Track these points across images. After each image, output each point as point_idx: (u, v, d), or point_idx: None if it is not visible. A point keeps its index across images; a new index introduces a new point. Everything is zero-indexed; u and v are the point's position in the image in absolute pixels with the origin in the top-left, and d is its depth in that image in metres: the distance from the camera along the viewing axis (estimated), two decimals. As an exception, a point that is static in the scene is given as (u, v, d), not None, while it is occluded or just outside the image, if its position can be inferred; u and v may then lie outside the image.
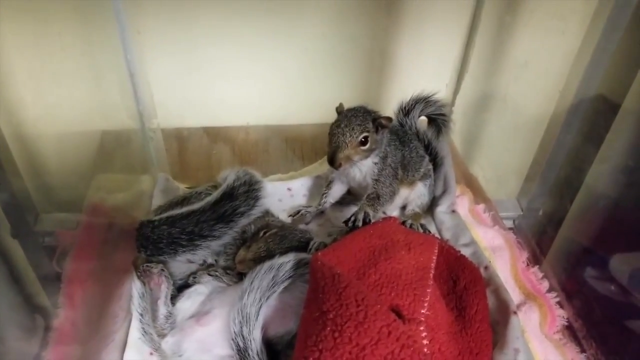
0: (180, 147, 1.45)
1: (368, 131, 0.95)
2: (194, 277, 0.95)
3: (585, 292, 1.35)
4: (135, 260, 0.95)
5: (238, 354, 0.80)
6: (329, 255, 0.82)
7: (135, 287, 0.92)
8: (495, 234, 1.15)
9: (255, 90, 1.49)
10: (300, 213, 1.13)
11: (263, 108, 1.53)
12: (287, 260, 0.87)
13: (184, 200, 1.02)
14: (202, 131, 1.50)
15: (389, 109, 1.21)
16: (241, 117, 1.53)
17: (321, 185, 1.19)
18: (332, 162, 0.95)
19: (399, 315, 0.78)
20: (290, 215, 1.13)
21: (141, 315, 0.90)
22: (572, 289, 1.39)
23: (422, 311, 0.80)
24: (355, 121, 0.95)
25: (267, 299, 0.84)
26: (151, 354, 0.88)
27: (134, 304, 0.91)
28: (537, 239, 1.33)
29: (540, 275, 1.10)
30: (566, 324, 1.03)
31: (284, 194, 1.22)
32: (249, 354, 0.79)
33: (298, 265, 0.87)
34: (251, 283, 0.83)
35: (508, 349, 0.87)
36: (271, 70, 1.44)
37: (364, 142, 0.96)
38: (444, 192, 1.16)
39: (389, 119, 0.97)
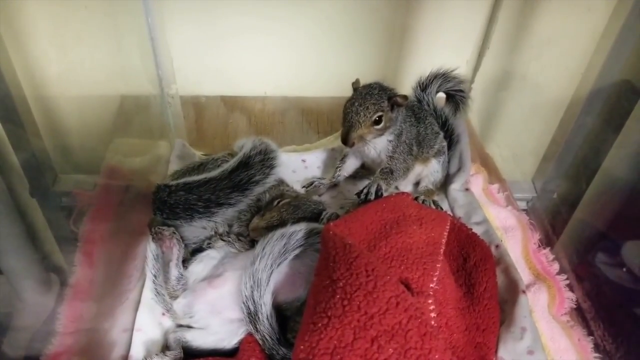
0: (198, 114, 1.46)
1: (382, 110, 0.95)
2: (209, 243, 0.96)
3: (596, 277, 1.35)
4: (151, 223, 0.97)
5: (248, 317, 0.82)
6: (341, 226, 0.83)
7: (149, 248, 0.94)
8: (508, 214, 1.14)
9: (273, 61, 1.48)
10: (313, 184, 1.13)
11: (281, 79, 1.52)
12: (299, 229, 0.88)
13: (201, 167, 1.03)
14: (220, 99, 1.51)
15: (407, 84, 1.20)
16: (259, 87, 1.53)
17: (335, 158, 1.19)
18: (346, 141, 0.95)
19: (408, 288, 0.79)
20: (303, 187, 1.14)
21: (155, 276, 0.93)
22: (582, 272, 1.39)
23: (431, 285, 0.81)
24: (370, 99, 0.94)
25: (278, 265, 0.85)
26: (163, 314, 0.91)
27: (148, 265, 0.93)
28: (550, 221, 1.33)
29: (551, 257, 1.10)
30: (575, 306, 1.03)
31: (298, 165, 1.22)
32: (258, 318, 0.81)
33: (310, 234, 0.88)
34: (263, 249, 0.84)
35: (515, 327, 0.87)
36: (290, 41, 1.43)
37: (378, 122, 0.95)
38: (459, 170, 1.15)
39: (405, 97, 0.97)
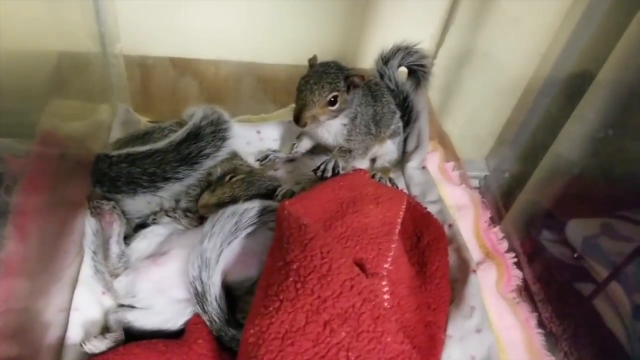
0: (144, 77, 1.36)
1: (338, 90, 0.91)
2: (154, 219, 0.91)
3: (541, 253, 1.39)
4: (90, 196, 0.91)
5: (195, 298, 0.78)
6: (296, 205, 0.80)
7: (88, 223, 0.88)
8: (461, 192, 1.15)
9: (229, 23, 1.39)
10: (268, 158, 1.09)
11: (236, 42, 1.44)
12: (251, 207, 0.84)
13: (146, 136, 0.96)
14: (169, 61, 1.41)
15: (369, 54, 1.16)
16: (212, 50, 1.45)
17: (292, 131, 1.15)
18: (298, 120, 0.91)
19: (363, 268, 0.77)
20: (258, 160, 1.09)
21: (94, 252, 0.87)
22: (529, 248, 1.43)
23: (385, 265, 0.80)
24: (326, 78, 0.90)
25: (228, 244, 0.81)
26: (103, 293, 0.86)
27: (87, 240, 0.88)
28: (501, 199, 1.35)
29: (501, 235, 1.12)
30: (520, 284, 1.05)
31: (253, 137, 1.17)
32: (206, 299, 0.78)
33: (263, 212, 0.84)
34: (212, 227, 0.80)
35: (464, 305, 0.88)
36: (248, 2, 1.35)
37: (332, 102, 0.91)
38: (417, 147, 1.14)
39: (362, 77, 0.93)
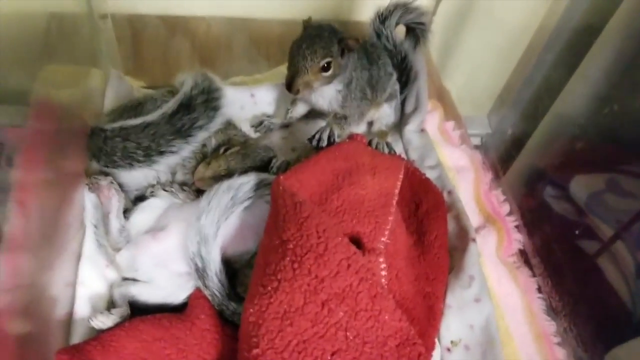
0: (134, 38, 1.32)
1: (332, 55, 0.88)
2: (152, 192, 0.90)
3: (543, 211, 1.39)
4: (87, 170, 0.90)
5: (196, 273, 0.79)
6: (291, 179, 0.79)
7: (88, 197, 0.88)
8: (461, 154, 1.13)
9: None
10: (263, 124, 1.07)
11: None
12: (247, 181, 0.83)
13: (139, 107, 0.94)
14: (159, 20, 1.36)
15: (365, 7, 1.10)
16: (203, 6, 1.39)
17: (287, 95, 1.11)
18: (290, 87, 0.88)
19: (359, 243, 0.78)
20: (252, 126, 1.07)
21: (95, 226, 0.87)
22: (531, 206, 1.43)
23: (382, 239, 0.80)
24: (319, 43, 0.86)
25: (225, 219, 0.81)
26: (107, 266, 0.86)
27: (87, 215, 0.88)
28: (502, 158, 1.33)
29: (502, 198, 1.11)
30: (522, 248, 1.06)
31: (247, 101, 1.14)
32: (207, 274, 0.78)
33: (259, 185, 0.84)
34: (209, 203, 0.80)
35: (463, 275, 0.89)
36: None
37: (326, 68, 0.88)
38: (415, 109, 1.11)
39: (357, 40, 0.89)
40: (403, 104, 1.11)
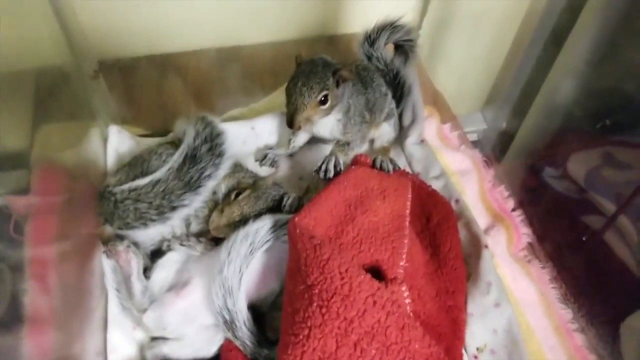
0: (125, 83, 1.33)
1: (328, 88, 0.90)
2: (168, 245, 0.92)
3: (541, 193, 1.42)
4: (102, 234, 0.92)
5: (225, 326, 0.81)
6: (306, 218, 0.81)
7: (106, 262, 0.90)
8: (462, 157, 1.15)
9: (201, 8, 1.33)
10: (267, 157, 1.09)
11: (212, 28, 1.39)
12: (262, 225, 0.85)
13: (144, 163, 0.95)
14: (147, 61, 1.37)
15: (350, 20, 1.10)
16: (189, 40, 1.39)
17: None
18: (291, 125, 0.91)
19: (379, 271, 0.80)
20: (257, 160, 1.09)
21: (117, 290, 0.89)
22: (530, 188, 1.46)
23: (401, 263, 0.82)
24: (314, 79, 0.89)
25: (247, 266, 0.83)
26: (134, 328, 0.88)
27: (108, 279, 0.89)
28: (501, 151, 1.36)
29: (506, 194, 1.13)
30: (530, 241, 1.08)
31: (248, 135, 1.15)
32: (236, 325, 0.80)
33: (275, 227, 0.86)
34: (229, 254, 0.81)
35: (481, 282, 0.91)
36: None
37: (323, 101, 0.90)
38: (413, 121, 1.13)
39: (350, 71, 0.92)
40: (400, 117, 1.13)
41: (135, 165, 0.96)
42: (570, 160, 1.39)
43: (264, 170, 1.09)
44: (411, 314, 0.74)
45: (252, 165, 1.09)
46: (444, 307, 0.87)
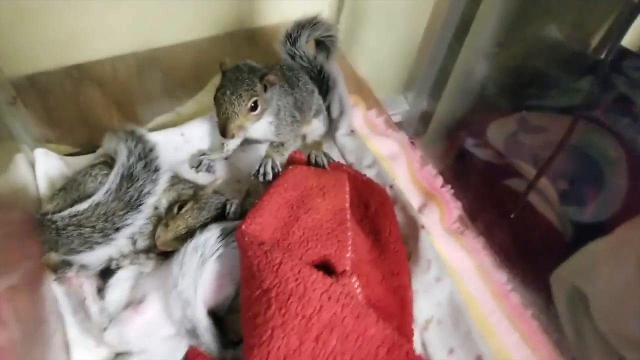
0: (43, 99, 1.27)
1: (257, 95, 0.92)
2: (117, 264, 0.92)
3: (464, 162, 1.52)
4: (48, 262, 0.90)
5: (187, 334, 0.83)
6: (252, 225, 0.84)
7: (57, 288, 0.89)
8: (390, 141, 1.22)
9: (112, 12, 1.29)
10: (202, 164, 1.09)
11: (126, 32, 1.35)
12: (210, 235, 0.87)
13: (80, 187, 0.93)
14: (62, 74, 1.31)
15: (266, 11, 1.11)
16: (102, 47, 1.35)
17: (217, 124, 1.14)
18: (224, 134, 0.93)
19: (329, 265, 0.85)
20: (192, 167, 1.10)
21: (72, 313, 0.89)
22: (453, 158, 1.56)
23: (347, 255, 0.87)
24: (242, 86, 0.90)
25: (200, 277, 0.85)
26: (97, 346, 0.88)
27: (61, 304, 0.89)
28: (425, 128, 1.44)
29: (434, 172, 1.21)
30: (461, 213, 1.17)
31: (178, 141, 1.15)
32: (198, 333, 0.83)
33: (223, 236, 0.88)
34: (181, 268, 0.83)
35: (421, 261, 0.99)
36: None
37: (254, 108, 0.93)
38: (341, 113, 1.17)
39: (277, 74, 0.94)
40: (328, 110, 1.17)
41: (70, 190, 0.94)
42: (489, 129, 1.50)
43: (200, 177, 1.10)
44: (364, 303, 0.80)
45: (188, 173, 1.09)
46: (391, 289, 0.94)
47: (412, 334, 0.91)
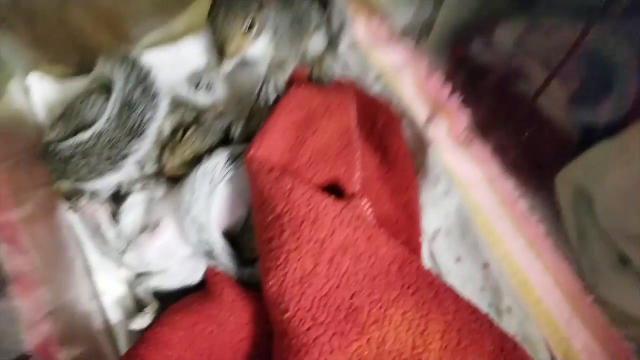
0: (30, 25, 1.17)
1: (253, 12, 0.86)
2: (127, 189, 0.93)
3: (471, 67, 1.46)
4: (59, 190, 0.91)
5: (205, 256, 0.86)
6: (260, 150, 0.83)
7: (72, 215, 0.92)
8: (395, 52, 1.16)
9: None
10: (202, 82, 1.06)
11: None
12: (217, 160, 0.87)
13: (79, 114, 0.91)
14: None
15: None
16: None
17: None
18: (222, 56, 0.88)
19: (339, 186, 0.86)
20: (191, 86, 1.06)
21: (91, 237, 0.92)
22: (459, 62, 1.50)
23: (356, 175, 0.88)
24: (237, 4, 0.85)
25: (212, 201, 0.86)
26: (118, 268, 0.93)
27: (78, 230, 0.92)
28: (428, 36, 1.36)
29: (441, 81, 1.16)
30: (470, 121, 1.13)
31: (175, 60, 1.11)
32: (215, 253, 0.86)
33: (230, 160, 0.88)
34: (192, 194, 0.84)
35: (430, 175, 1.00)
36: None
37: (251, 27, 0.87)
38: (341, 26, 1.10)
39: None
40: (328, 23, 1.10)
41: (70, 117, 0.92)
42: (496, 32, 1.42)
43: (200, 95, 1.07)
44: (374, 223, 0.82)
45: (187, 92, 1.06)
46: (400, 204, 0.96)
47: (419, 247, 0.94)
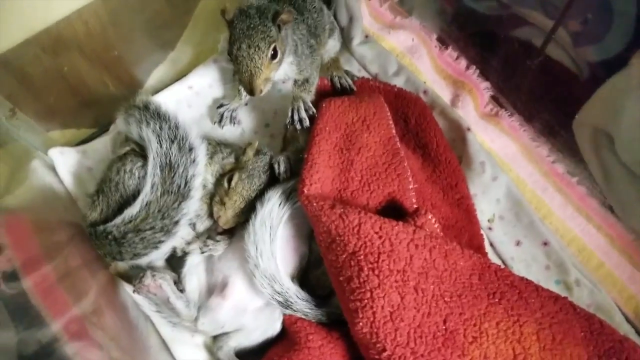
0: (25, 81, 1.12)
1: (274, 39, 0.82)
2: (182, 250, 0.91)
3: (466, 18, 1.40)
4: (115, 271, 0.89)
5: (281, 306, 0.85)
6: (312, 185, 0.82)
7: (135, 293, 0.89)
8: (404, 33, 1.12)
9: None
10: (224, 117, 1.02)
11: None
12: (272, 205, 0.85)
13: (118, 186, 0.88)
14: (34, 46, 1.14)
15: None
16: (62, 3, 1.15)
17: (223, 68, 1.04)
18: (252, 93, 0.84)
19: (395, 203, 0.84)
20: (215, 123, 1.03)
21: (158, 311, 0.89)
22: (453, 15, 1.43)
23: (410, 187, 0.87)
24: (257, 35, 0.81)
25: (276, 248, 0.85)
26: (193, 336, 0.91)
27: (144, 307, 0.90)
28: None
29: (455, 55, 1.13)
30: (492, 94, 1.12)
31: (189, 96, 1.07)
32: (290, 302, 0.85)
33: (284, 201, 0.86)
34: (256, 248, 0.83)
35: (474, 163, 0.98)
36: None
37: (274, 55, 0.83)
38: (351, 19, 1.06)
39: (289, 11, 0.83)
40: (336, 17, 1.06)
41: (109, 192, 0.89)
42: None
43: (227, 128, 1.04)
44: (442, 235, 0.80)
45: (212, 129, 1.03)
46: (454, 203, 0.95)
47: (483, 241, 0.94)
